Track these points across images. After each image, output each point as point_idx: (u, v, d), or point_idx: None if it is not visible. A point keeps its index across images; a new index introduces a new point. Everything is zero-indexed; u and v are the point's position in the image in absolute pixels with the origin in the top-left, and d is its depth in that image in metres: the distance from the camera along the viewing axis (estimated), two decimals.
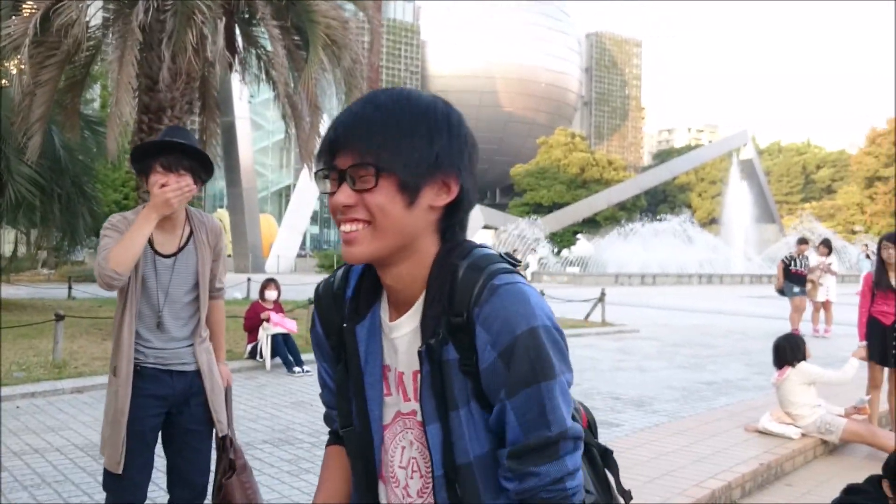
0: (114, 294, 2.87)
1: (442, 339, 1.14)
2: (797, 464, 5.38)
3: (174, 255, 2.87)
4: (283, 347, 8.72)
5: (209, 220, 3.00)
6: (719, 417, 6.34)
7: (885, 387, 6.21)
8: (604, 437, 5.64)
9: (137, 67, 9.68)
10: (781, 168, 78.91)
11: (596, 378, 8.47)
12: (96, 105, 17.58)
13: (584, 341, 11.81)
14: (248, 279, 18.28)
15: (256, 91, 14.43)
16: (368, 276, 1.25)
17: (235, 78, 12.25)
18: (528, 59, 68.66)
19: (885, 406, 6.36)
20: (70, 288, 17.48)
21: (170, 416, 2.90)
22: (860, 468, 5.04)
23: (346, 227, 1.14)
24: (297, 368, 8.54)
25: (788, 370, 5.79)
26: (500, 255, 1.21)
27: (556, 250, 38.66)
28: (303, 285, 17.23)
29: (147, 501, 3.98)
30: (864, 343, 6.14)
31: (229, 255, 32.29)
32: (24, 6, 10.43)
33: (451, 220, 1.19)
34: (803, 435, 5.62)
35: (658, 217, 44.79)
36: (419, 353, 1.17)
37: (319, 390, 1.40)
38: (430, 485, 1.20)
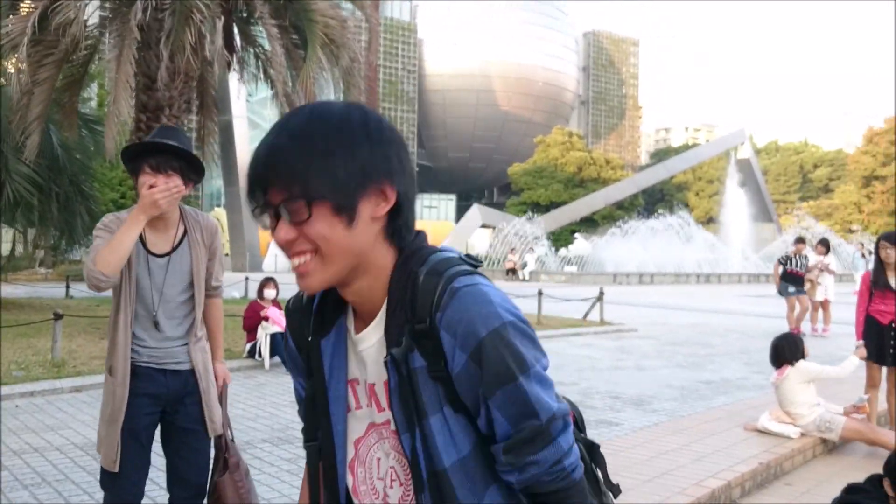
0: (111, 293, 2.88)
1: (406, 348, 1.14)
2: (797, 463, 5.39)
3: (168, 254, 2.86)
4: (282, 346, 8.70)
5: (204, 219, 3.00)
6: (718, 417, 6.35)
7: (883, 385, 6.22)
8: (603, 436, 5.66)
9: (135, 66, 9.68)
10: (779, 167, 79.04)
11: (595, 377, 8.48)
12: (93, 104, 17.54)
13: (582, 340, 11.82)
14: (246, 278, 18.26)
15: (254, 90, 14.43)
16: (332, 290, 1.24)
17: (233, 77, 12.24)
18: (526, 58, 68.63)
19: (885, 405, 6.37)
20: (68, 287, 17.46)
21: (166, 416, 2.90)
22: (860, 467, 5.06)
23: (294, 262, 1.14)
24: None
25: (788, 369, 5.80)
26: (461, 256, 1.20)
27: (554, 249, 38.65)
28: None
29: (147, 500, 3.99)
30: (862, 342, 6.15)
31: (227, 254, 32.27)
32: (21, 5, 10.43)
33: (396, 224, 1.18)
34: (802, 434, 5.63)
35: (658, 212, 44.77)
36: (385, 363, 1.16)
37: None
38: (411, 493, 1.19)
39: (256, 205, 1.15)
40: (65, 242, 15.46)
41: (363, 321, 1.22)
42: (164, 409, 2.88)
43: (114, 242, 2.67)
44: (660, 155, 74.70)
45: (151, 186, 2.70)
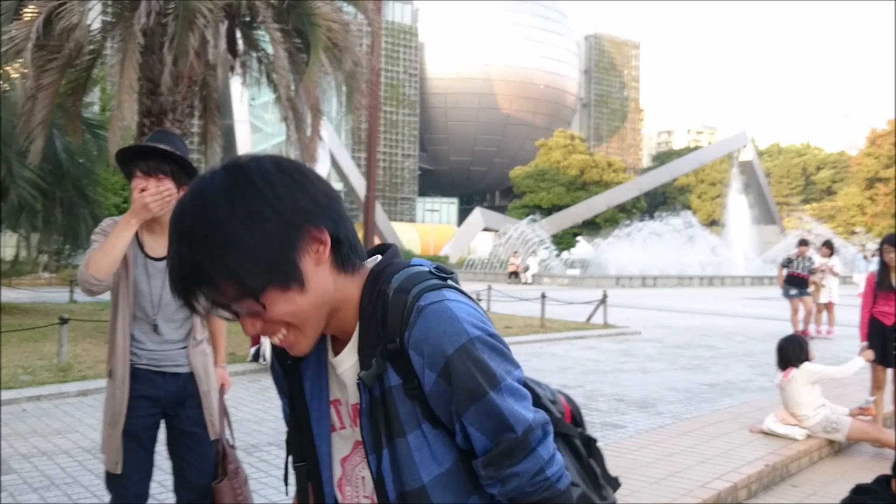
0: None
1: (376, 370, 1.13)
2: (803, 465, 5.38)
3: (165, 258, 2.86)
4: None
5: None
6: (723, 419, 6.34)
7: (889, 387, 6.22)
8: (608, 439, 5.65)
9: (139, 71, 9.69)
10: (781, 169, 79.01)
11: (599, 380, 8.48)
12: (96, 108, 17.58)
13: (586, 343, 11.83)
14: None
15: (257, 93, 14.45)
16: None
17: (236, 81, 12.26)
18: (527, 62, 68.68)
19: (890, 407, 6.37)
20: (72, 291, 17.48)
21: (168, 419, 2.91)
22: (866, 469, 5.06)
23: (274, 340, 1.15)
24: None
25: (793, 371, 5.80)
26: (430, 269, 1.19)
27: (556, 252, 38.66)
28: None
29: (155, 502, 4.00)
30: (866, 343, 6.16)
31: None
32: (24, 10, 10.45)
33: (341, 255, 1.15)
34: (809, 436, 5.63)
35: (660, 214, 44.75)
36: (357, 385, 1.16)
37: None
38: None
39: (205, 308, 1.11)
40: (68, 247, 15.49)
41: (341, 343, 1.22)
42: (164, 412, 2.89)
43: (106, 246, 2.68)
44: (662, 157, 74.64)
45: (143, 190, 2.71)
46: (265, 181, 1.09)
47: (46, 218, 14.04)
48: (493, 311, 16.03)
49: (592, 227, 50.35)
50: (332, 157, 39.01)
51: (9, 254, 19.28)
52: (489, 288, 17.40)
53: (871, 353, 6.05)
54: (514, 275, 33.45)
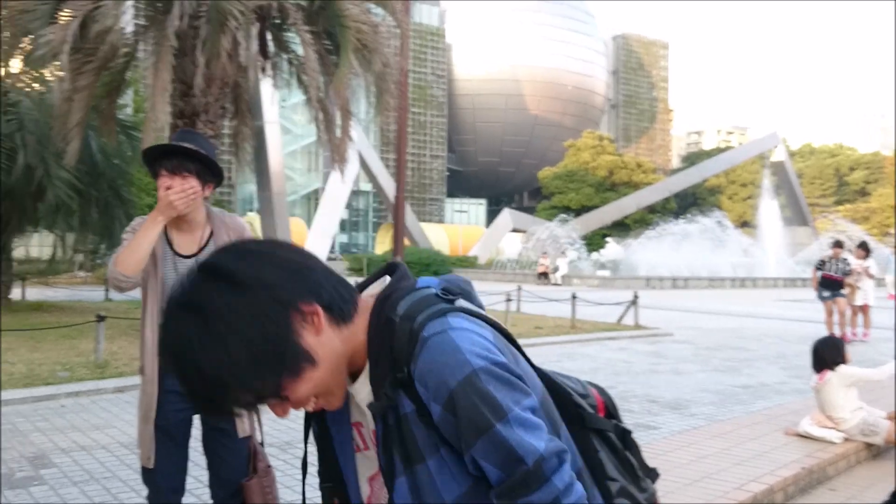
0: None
1: (386, 401, 1.13)
2: (840, 468, 5.30)
3: (195, 255, 2.89)
4: None
5: (231, 220, 3.02)
6: (758, 421, 6.27)
7: None
8: (642, 440, 5.62)
9: (172, 73, 9.82)
10: (814, 170, 77.87)
11: (631, 381, 8.42)
12: (129, 110, 17.86)
13: (617, 344, 11.75)
14: None
15: (287, 95, 14.57)
16: None
17: (266, 82, 12.37)
18: (554, 62, 68.48)
19: None
20: (107, 290, 17.74)
21: (201, 415, 2.93)
22: None
23: (309, 408, 1.17)
24: None
25: (828, 373, 5.71)
26: (437, 292, 1.18)
27: (587, 253, 38.47)
28: None
29: (194, 499, 4.05)
30: None
31: None
32: (60, 14, 10.64)
33: (335, 312, 1.15)
34: (846, 439, 5.54)
35: (689, 215, 44.31)
36: (371, 413, 1.17)
37: None
38: None
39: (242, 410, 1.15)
40: (104, 246, 15.75)
41: (358, 370, 1.22)
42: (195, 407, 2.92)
43: (133, 244, 2.73)
44: (691, 158, 73.98)
45: (168, 188, 2.75)
46: (237, 282, 1.08)
47: (82, 218, 14.29)
48: (523, 311, 16.02)
49: (622, 228, 50.03)
50: (362, 157, 39.19)
51: (46, 253, 19.63)
52: (519, 288, 17.35)
53: None
54: (544, 275, 33.33)
